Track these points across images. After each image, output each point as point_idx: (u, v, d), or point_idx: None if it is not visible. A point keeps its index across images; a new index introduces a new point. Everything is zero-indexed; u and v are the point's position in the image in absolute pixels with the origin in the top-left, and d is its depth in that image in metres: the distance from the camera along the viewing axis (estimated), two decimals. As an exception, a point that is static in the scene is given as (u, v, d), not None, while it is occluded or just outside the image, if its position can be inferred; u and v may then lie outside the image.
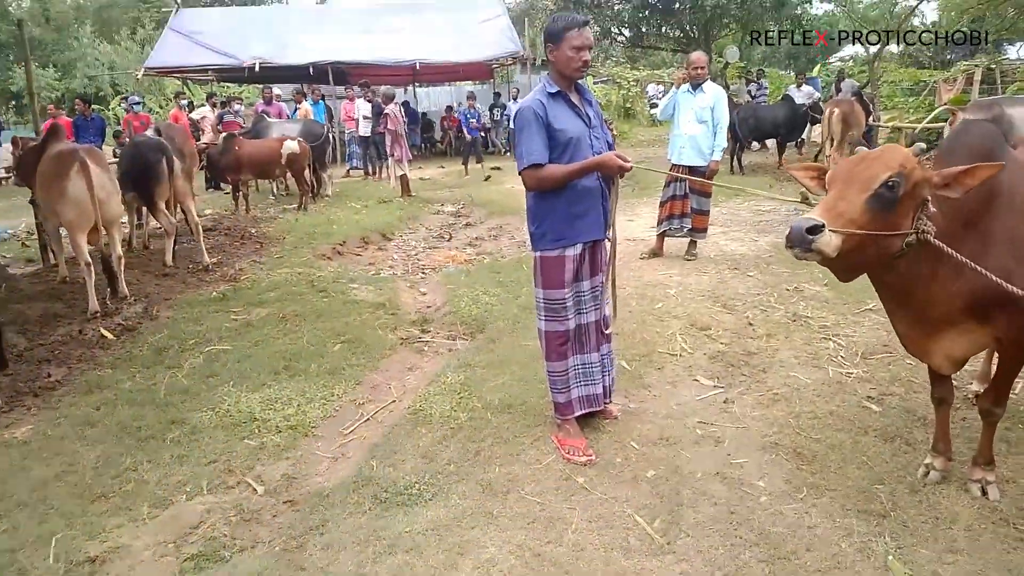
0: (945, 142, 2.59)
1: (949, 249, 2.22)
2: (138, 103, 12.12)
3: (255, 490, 3.08)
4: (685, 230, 6.54)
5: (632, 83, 25.72)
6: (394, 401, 3.92)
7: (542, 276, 3.20)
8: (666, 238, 6.69)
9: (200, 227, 6.88)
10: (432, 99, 23.02)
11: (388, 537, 2.68)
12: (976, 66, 14.94)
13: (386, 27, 17.67)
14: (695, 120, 6.19)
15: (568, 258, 3.14)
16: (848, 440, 3.24)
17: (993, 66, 14.87)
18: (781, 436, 3.32)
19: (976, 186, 2.22)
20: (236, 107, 12.97)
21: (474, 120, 14.76)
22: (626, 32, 20.02)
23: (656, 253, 6.70)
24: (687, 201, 6.44)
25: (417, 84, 22.75)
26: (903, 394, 3.67)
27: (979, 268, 2.18)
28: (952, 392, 2.87)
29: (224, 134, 10.49)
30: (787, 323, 4.78)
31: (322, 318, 5.20)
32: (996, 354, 2.72)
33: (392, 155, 11.57)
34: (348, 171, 14.99)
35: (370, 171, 14.55)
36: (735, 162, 12.45)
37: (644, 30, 19.47)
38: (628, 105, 24.77)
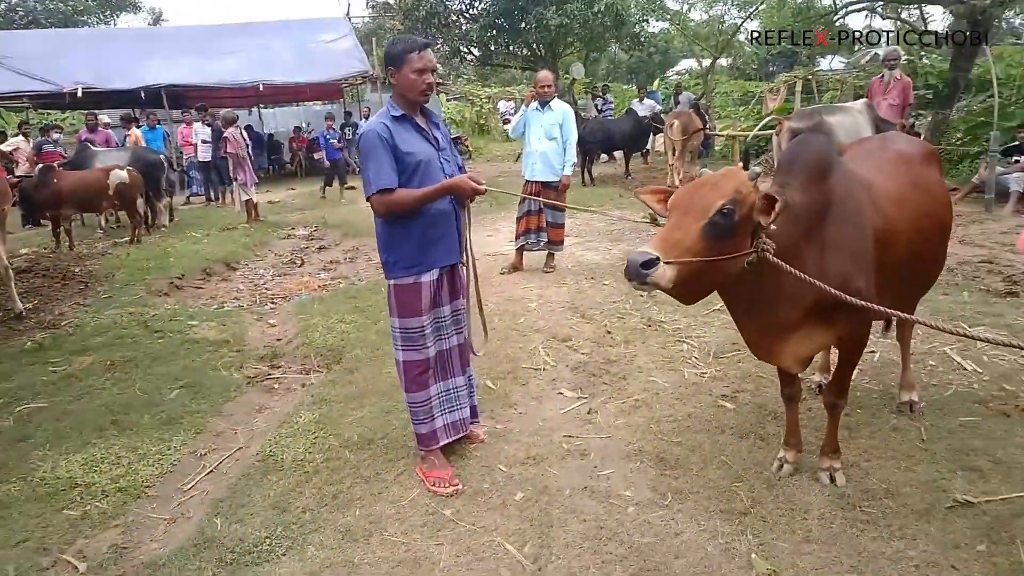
0: (784, 156, 2.69)
1: (788, 267, 2.27)
2: (-70, 134, 10.74)
3: (76, 568, 2.69)
4: (542, 243, 6.59)
5: (484, 100, 26.17)
6: (241, 448, 3.59)
7: (397, 305, 3.03)
8: (525, 252, 6.71)
9: (10, 270, 6.10)
10: (279, 120, 22.14)
11: (234, 605, 2.40)
12: (796, 78, 16.33)
13: (224, 49, 16.81)
14: (545, 137, 6.26)
15: (424, 284, 3.00)
16: (707, 441, 3.30)
17: (810, 77, 16.31)
18: (644, 443, 3.33)
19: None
20: (55, 136, 11.76)
21: (335, 141, 14.16)
22: (475, 51, 20.28)
23: (516, 268, 6.70)
24: (542, 215, 6.50)
25: (262, 105, 21.84)
26: (753, 390, 3.81)
27: (815, 281, 2.23)
28: (800, 389, 3.01)
29: (41, 165, 9.47)
30: (643, 329, 4.88)
31: (157, 362, 4.73)
32: (836, 349, 2.85)
33: (236, 179, 10.95)
34: (188, 198, 14.09)
35: (213, 197, 13.74)
36: (586, 175, 12.81)
37: (493, 49, 19.80)
38: (482, 121, 25.16)
